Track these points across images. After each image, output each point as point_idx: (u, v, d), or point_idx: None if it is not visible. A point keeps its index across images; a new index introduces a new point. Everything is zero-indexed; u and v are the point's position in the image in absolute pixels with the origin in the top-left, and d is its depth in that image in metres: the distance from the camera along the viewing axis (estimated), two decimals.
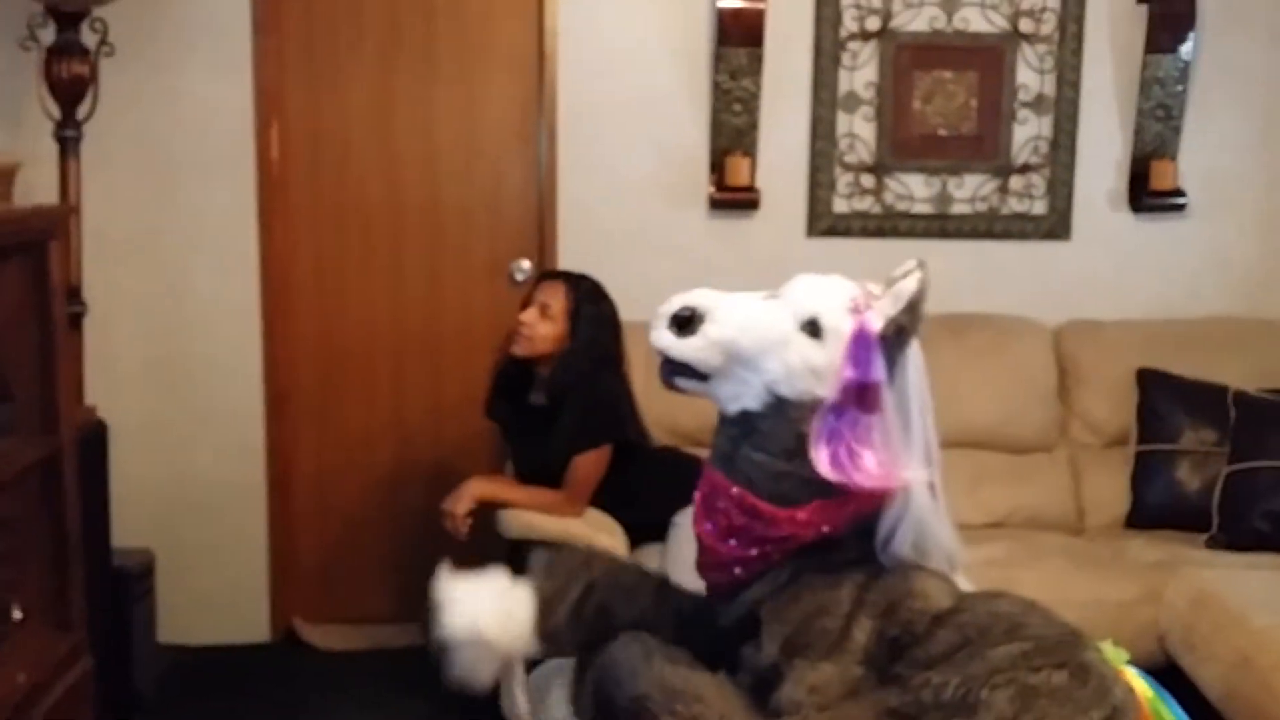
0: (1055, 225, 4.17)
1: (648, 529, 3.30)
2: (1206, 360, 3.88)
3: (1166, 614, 3.16)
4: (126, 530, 3.51)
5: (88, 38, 3.39)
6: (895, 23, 4.03)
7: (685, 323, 2.11)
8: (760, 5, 3.88)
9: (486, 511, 3.29)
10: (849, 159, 4.08)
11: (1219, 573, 3.18)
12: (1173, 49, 4.03)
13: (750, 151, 3.98)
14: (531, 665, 2.55)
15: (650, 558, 3.21)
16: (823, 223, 4.09)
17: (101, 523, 3.22)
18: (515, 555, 3.16)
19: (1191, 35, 4.04)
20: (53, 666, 2.62)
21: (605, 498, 3.28)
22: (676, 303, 2.13)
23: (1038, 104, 4.11)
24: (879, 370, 2.07)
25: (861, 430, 2.07)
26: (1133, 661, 2.03)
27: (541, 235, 4.03)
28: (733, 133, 3.97)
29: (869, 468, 2.04)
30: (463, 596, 2.26)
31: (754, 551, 2.14)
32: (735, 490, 2.13)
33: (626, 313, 3.35)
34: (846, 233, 4.11)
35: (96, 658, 2.88)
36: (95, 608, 2.94)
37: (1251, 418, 3.63)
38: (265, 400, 3.99)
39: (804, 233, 4.10)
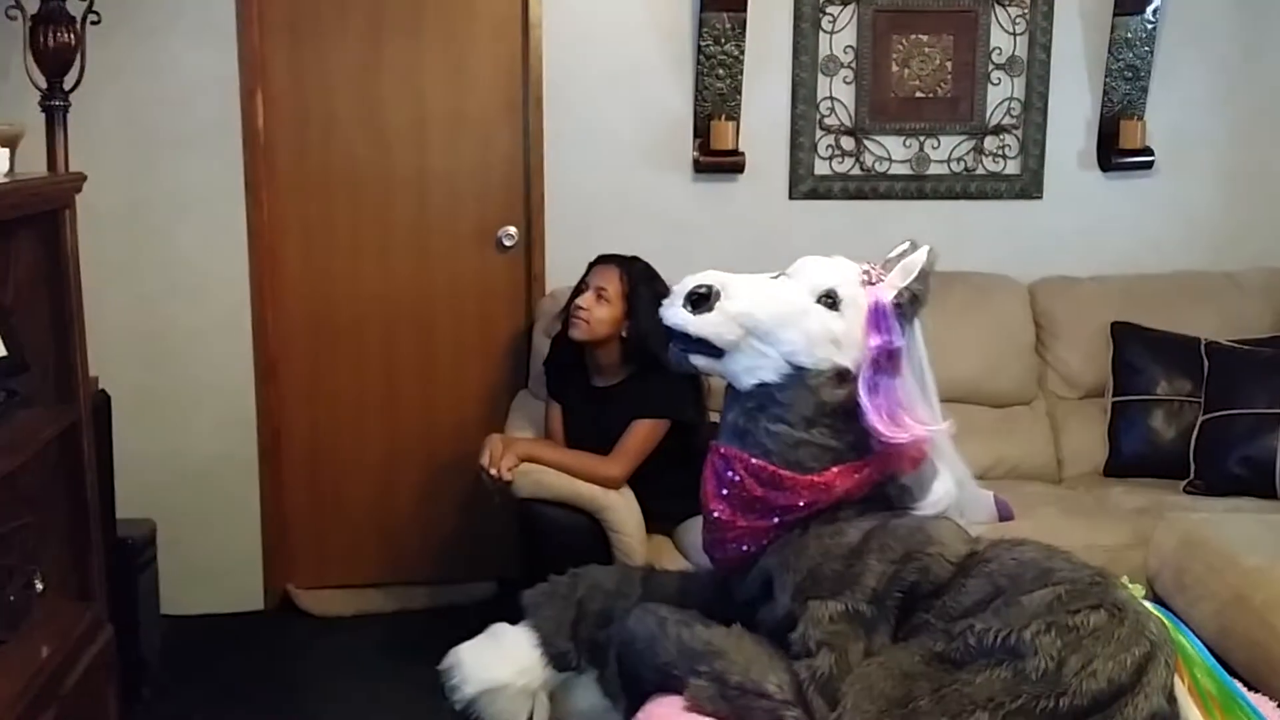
0: (1028, 184, 4.27)
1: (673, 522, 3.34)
2: (1177, 313, 4.01)
3: (1155, 557, 3.27)
4: (121, 502, 3.49)
5: (73, 6, 3.34)
6: None
7: (700, 300, 2.18)
8: None
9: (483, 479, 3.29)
10: (829, 122, 4.14)
11: (1206, 516, 3.30)
12: (1140, 10, 4.13)
13: (734, 116, 4.03)
14: None
15: (661, 550, 3.27)
16: (804, 185, 4.16)
17: (107, 493, 3.21)
18: (524, 516, 3.21)
19: None
20: (76, 638, 2.63)
21: (659, 484, 3.27)
22: (690, 282, 2.21)
23: (1010, 66, 4.20)
24: (900, 336, 2.18)
25: (894, 393, 2.18)
26: None
27: (529, 202, 4.05)
28: (716, 97, 4.01)
29: (909, 425, 2.15)
30: (468, 656, 2.37)
31: (774, 520, 2.22)
32: (755, 461, 2.21)
33: None
34: (828, 195, 4.18)
35: None
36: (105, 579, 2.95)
37: (1224, 367, 3.76)
38: (255, 370, 3.98)
39: (786, 195, 4.16)
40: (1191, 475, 3.70)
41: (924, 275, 2.24)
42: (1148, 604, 2.09)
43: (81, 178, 2.80)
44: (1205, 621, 2.90)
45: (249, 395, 3.99)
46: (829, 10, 4.07)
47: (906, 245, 2.31)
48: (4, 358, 2.48)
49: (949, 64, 4.17)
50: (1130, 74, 4.19)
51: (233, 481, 4.01)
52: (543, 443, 3.39)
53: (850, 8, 4.08)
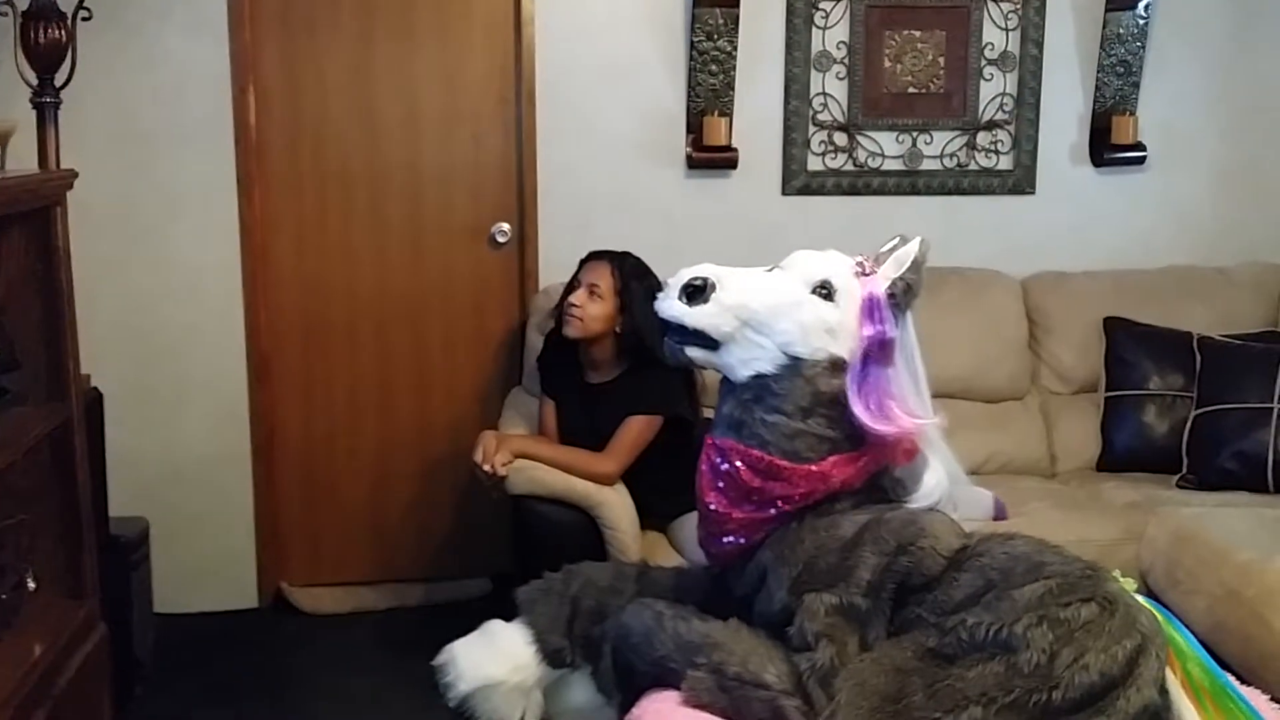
0: (1020, 180, 4.28)
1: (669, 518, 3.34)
2: (1169, 308, 4.02)
3: (1148, 551, 3.28)
4: (113, 500, 3.49)
5: (64, 2, 3.33)
6: None
7: (696, 292, 2.19)
8: None
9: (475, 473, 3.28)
10: (822, 118, 4.15)
11: (1198, 510, 3.30)
12: (1132, 5, 4.13)
13: (727, 112, 4.03)
14: None
15: (655, 546, 3.27)
16: (797, 181, 4.16)
17: (100, 491, 3.21)
18: (518, 512, 3.21)
19: None
20: (69, 636, 2.62)
21: (653, 481, 3.27)
22: (685, 274, 2.22)
23: (1003, 61, 4.20)
24: (893, 326, 2.19)
25: (885, 383, 2.19)
26: None
27: (522, 198, 4.05)
28: (709, 93, 4.01)
29: (898, 416, 2.16)
30: (463, 653, 2.36)
31: (771, 511, 2.22)
32: (754, 452, 2.21)
33: None
34: (820, 190, 4.18)
35: None
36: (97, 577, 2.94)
37: (1216, 362, 3.77)
38: (248, 367, 3.98)
39: (779, 191, 4.16)
40: (1184, 470, 3.71)
41: (917, 266, 2.24)
42: (1139, 597, 2.10)
43: (73, 174, 2.79)
44: (1198, 615, 2.91)
45: (242, 392, 3.98)
46: (821, 6, 4.07)
47: (897, 240, 2.32)
48: None
49: (941, 59, 4.18)
50: (1122, 69, 4.19)
51: (226, 479, 4.00)
52: (537, 439, 3.39)
53: (843, 3, 4.08)
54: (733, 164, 4.08)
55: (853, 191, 4.20)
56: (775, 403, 2.21)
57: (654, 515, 3.32)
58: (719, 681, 2.06)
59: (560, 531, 3.10)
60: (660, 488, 3.23)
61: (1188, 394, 3.78)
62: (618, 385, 3.33)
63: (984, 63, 4.20)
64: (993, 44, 4.19)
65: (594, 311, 3.29)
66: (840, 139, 4.17)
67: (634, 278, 3.30)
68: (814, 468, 2.20)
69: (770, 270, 2.29)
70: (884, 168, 4.21)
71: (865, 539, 2.15)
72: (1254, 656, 2.78)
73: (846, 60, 4.12)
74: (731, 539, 2.28)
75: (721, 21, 3.94)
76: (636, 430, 3.23)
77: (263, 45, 3.89)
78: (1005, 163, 4.26)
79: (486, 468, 3.15)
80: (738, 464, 2.23)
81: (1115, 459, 3.87)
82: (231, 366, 3.96)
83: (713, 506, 2.28)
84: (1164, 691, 1.97)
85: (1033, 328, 4.10)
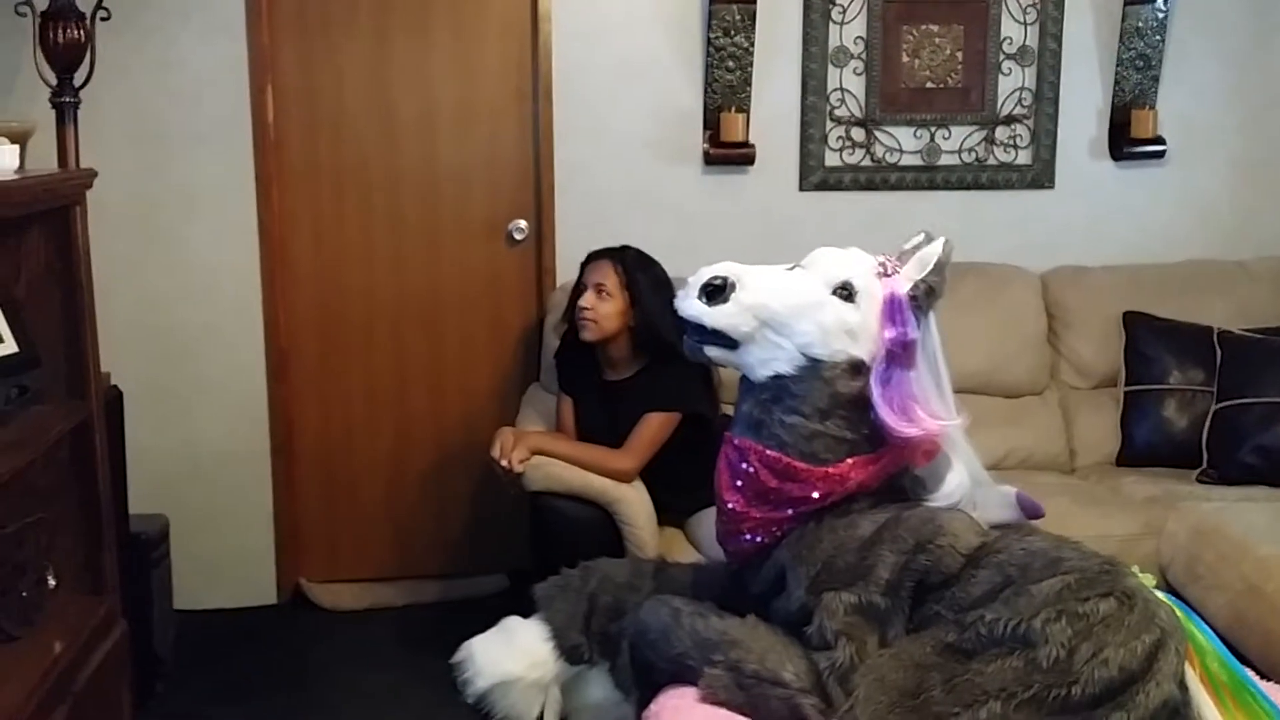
0: (1039, 174, 4.26)
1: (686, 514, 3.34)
2: (1189, 302, 4.00)
3: (1168, 546, 3.27)
4: (133, 497, 3.51)
5: (83, 2, 3.34)
6: None
7: (716, 291, 2.18)
8: None
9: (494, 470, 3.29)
10: (839, 113, 4.13)
11: (1218, 505, 3.29)
12: None
13: (744, 108, 4.02)
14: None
15: (673, 542, 3.27)
16: (815, 177, 4.15)
17: (120, 489, 3.22)
18: (536, 508, 3.21)
19: None
20: (89, 633, 2.64)
21: (671, 477, 3.27)
22: (705, 273, 2.21)
23: (1021, 55, 4.18)
24: (915, 328, 2.18)
25: (907, 385, 2.18)
26: None
27: (539, 195, 4.05)
28: (726, 89, 4.01)
29: (921, 418, 2.15)
30: (480, 649, 2.37)
31: (788, 512, 2.22)
32: (771, 453, 2.21)
33: None
34: (838, 186, 4.17)
35: None
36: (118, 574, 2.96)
37: (1237, 356, 3.75)
38: (267, 365, 3.99)
39: (796, 187, 4.15)
40: (1204, 464, 3.69)
41: (940, 267, 2.23)
42: (1158, 593, 2.09)
43: (92, 174, 2.80)
44: (1218, 611, 2.90)
45: (260, 390, 4.00)
46: (838, 1, 4.06)
47: (922, 237, 2.30)
48: (15, 354, 2.49)
49: (960, 54, 4.16)
50: (1141, 63, 4.17)
51: (245, 476, 4.02)
52: (554, 436, 3.39)
53: None
54: (750, 160, 4.07)
55: (870, 187, 4.19)
56: (793, 404, 2.21)
57: (671, 511, 3.32)
58: (736, 679, 2.06)
59: (578, 528, 3.10)
60: (678, 484, 3.23)
61: (1208, 388, 3.76)
62: (635, 382, 3.33)
63: (1002, 57, 4.18)
64: (1011, 38, 4.17)
65: (606, 310, 3.28)
66: (858, 134, 4.16)
67: (637, 269, 3.30)
68: (831, 470, 2.20)
69: (791, 269, 2.28)
70: (902, 163, 4.20)
71: (884, 538, 2.14)
72: (1275, 652, 2.77)
73: (864, 55, 4.11)
74: (749, 537, 2.28)
75: (738, 17, 3.94)
76: (654, 427, 3.23)
77: (280, 45, 3.90)
78: (1024, 157, 4.25)
79: (504, 464, 3.15)
80: (756, 465, 2.22)
81: (1135, 454, 3.85)
82: (250, 364, 3.97)
83: (730, 505, 2.27)
84: (1183, 687, 1.96)
85: (1052, 322, 4.08)
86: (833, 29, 4.08)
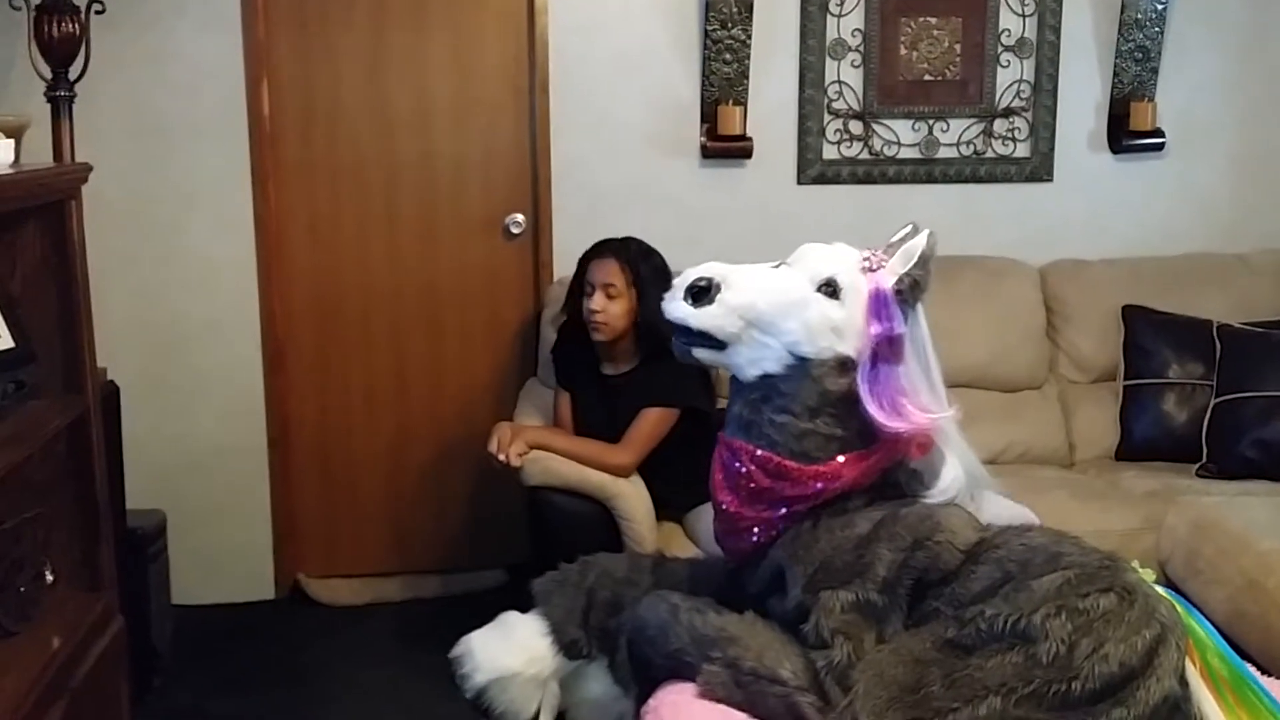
0: (1038, 167, 4.25)
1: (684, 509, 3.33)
2: (1188, 296, 4.00)
3: (1167, 540, 3.26)
4: (130, 492, 3.50)
5: None
6: None
7: (701, 293, 2.17)
8: None
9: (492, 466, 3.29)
10: (837, 106, 4.12)
11: (1218, 499, 3.28)
12: None
13: (741, 100, 4.01)
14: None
15: (671, 537, 3.26)
16: (812, 170, 4.14)
17: (117, 484, 3.22)
18: (534, 503, 3.21)
19: None
20: (86, 628, 2.63)
21: (669, 472, 3.26)
22: (691, 275, 2.20)
23: (1020, 48, 4.17)
24: (901, 323, 2.17)
25: (896, 380, 2.17)
26: None
27: (536, 189, 4.04)
28: (724, 82, 3.99)
29: (912, 413, 2.14)
30: (479, 644, 2.36)
31: (782, 511, 2.21)
32: (761, 453, 2.20)
33: None
34: (836, 179, 4.16)
35: None
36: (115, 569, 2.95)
37: (1236, 350, 3.74)
38: (264, 359, 3.98)
39: (794, 180, 4.14)
40: (1204, 459, 3.68)
41: (924, 260, 2.21)
42: (1158, 587, 2.08)
43: (87, 168, 2.79)
44: (1218, 605, 2.90)
45: (257, 384, 3.99)
46: None
47: (909, 229, 2.29)
48: (11, 348, 2.48)
49: (958, 46, 4.15)
50: (1140, 55, 4.16)
51: (242, 471, 4.01)
52: (552, 430, 3.39)
53: None
54: (747, 153, 4.06)
55: (868, 180, 4.18)
56: (783, 403, 2.20)
57: (670, 506, 3.31)
58: (734, 676, 2.05)
59: (576, 523, 3.09)
60: (676, 479, 3.22)
61: (1207, 382, 3.75)
62: (634, 377, 3.32)
63: (1001, 49, 4.17)
64: (1009, 30, 4.16)
65: (616, 310, 3.27)
66: (856, 127, 4.15)
67: (641, 262, 3.29)
68: (823, 468, 2.19)
69: (777, 266, 2.27)
70: (900, 156, 4.19)
71: (881, 535, 2.13)
72: (1275, 647, 2.77)
73: (862, 48, 4.10)
74: (746, 535, 2.27)
75: (735, 9, 3.92)
76: (652, 422, 3.22)
77: (276, 38, 3.88)
78: (1023, 150, 4.24)
79: (501, 458, 3.15)
80: (749, 465, 2.22)
81: (1134, 448, 3.84)
82: (247, 358, 3.97)
83: (725, 505, 2.27)
84: (1184, 682, 1.95)
85: (1051, 316, 4.07)
86: (830, 21, 4.06)
